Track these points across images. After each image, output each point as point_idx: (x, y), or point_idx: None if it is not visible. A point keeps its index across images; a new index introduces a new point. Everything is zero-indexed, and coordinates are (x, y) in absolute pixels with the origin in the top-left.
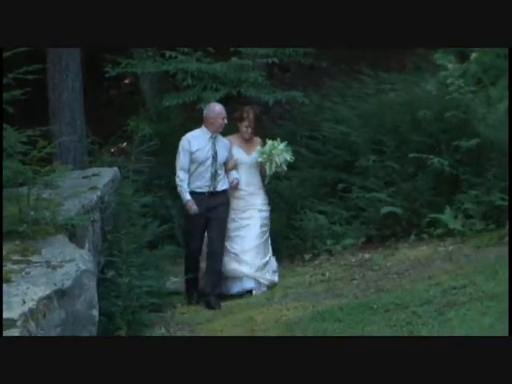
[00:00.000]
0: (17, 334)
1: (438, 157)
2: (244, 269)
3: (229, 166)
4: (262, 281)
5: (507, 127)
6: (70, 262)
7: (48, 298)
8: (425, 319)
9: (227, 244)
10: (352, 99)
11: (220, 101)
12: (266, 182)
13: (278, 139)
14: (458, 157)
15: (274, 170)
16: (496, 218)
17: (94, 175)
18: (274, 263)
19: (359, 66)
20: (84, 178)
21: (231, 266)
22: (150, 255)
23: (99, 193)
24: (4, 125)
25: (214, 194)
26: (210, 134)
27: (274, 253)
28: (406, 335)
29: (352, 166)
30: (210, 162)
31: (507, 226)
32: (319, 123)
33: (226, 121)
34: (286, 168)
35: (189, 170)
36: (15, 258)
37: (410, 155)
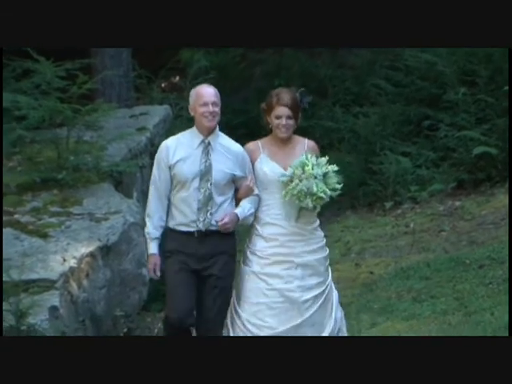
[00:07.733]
0: (56, 297)
1: None
2: None
3: (241, 190)
4: None
5: None
6: (115, 214)
7: (91, 255)
8: None
9: (244, 316)
10: None
11: None
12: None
13: (324, 159)
14: None
15: (287, 198)
16: None
17: (142, 114)
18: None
19: None
20: (131, 117)
21: None
22: None
23: (148, 134)
24: (39, 57)
25: (207, 234)
26: (201, 138)
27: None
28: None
29: (439, 100)
30: (197, 182)
31: None
32: (401, 51)
33: (214, 109)
34: (311, 205)
35: (168, 197)
36: (53, 209)
37: (505, 87)
